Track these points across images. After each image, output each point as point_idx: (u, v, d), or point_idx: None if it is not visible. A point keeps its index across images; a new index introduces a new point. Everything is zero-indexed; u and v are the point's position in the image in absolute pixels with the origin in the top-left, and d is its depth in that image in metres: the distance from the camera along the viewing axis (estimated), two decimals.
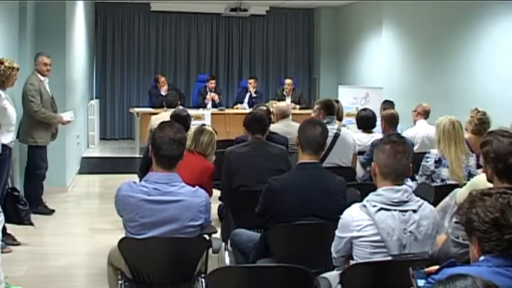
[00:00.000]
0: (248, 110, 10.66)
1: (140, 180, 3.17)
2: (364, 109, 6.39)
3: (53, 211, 6.71)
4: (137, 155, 10.23)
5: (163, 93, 10.88)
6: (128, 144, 12.38)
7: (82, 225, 6.53)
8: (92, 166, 9.81)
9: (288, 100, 10.85)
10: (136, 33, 13.31)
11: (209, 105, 11.19)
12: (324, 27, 13.41)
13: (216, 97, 11.22)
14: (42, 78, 6.54)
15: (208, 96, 11.21)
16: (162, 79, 11.37)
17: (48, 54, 6.66)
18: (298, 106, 10.90)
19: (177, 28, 13.50)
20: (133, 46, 13.30)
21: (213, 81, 11.37)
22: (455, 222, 2.67)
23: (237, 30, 13.80)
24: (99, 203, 7.63)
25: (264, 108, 5.79)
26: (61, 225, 6.37)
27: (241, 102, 11.41)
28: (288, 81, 11.33)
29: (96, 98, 12.96)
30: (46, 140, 6.62)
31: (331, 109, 5.55)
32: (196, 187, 3.14)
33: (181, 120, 4.98)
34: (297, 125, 5.71)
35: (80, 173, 9.13)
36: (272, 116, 5.94)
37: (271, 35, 13.90)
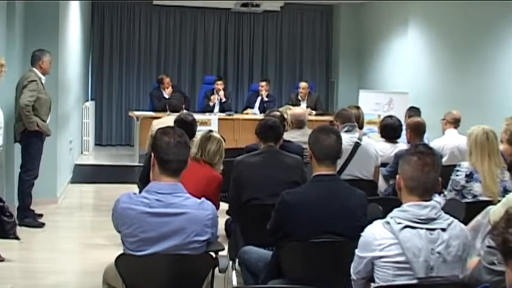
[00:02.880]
0: (259, 116, 10.77)
1: (140, 192, 3.19)
2: (390, 116, 6.39)
3: (43, 224, 6.74)
4: (136, 163, 10.28)
5: (166, 95, 11.01)
6: (126, 151, 12.43)
7: (74, 240, 6.56)
8: (85, 175, 9.83)
9: (303, 105, 10.88)
10: (137, 29, 13.39)
11: (216, 109, 11.24)
12: (343, 25, 13.42)
13: (222, 94, 11.23)
14: (42, 77, 6.65)
15: (212, 97, 11.23)
16: (167, 80, 11.45)
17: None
18: (314, 112, 10.93)
19: (182, 25, 13.56)
20: (134, 44, 13.38)
21: (221, 83, 11.41)
22: (488, 247, 2.67)
23: (248, 27, 13.84)
24: (93, 216, 7.66)
25: (278, 114, 5.85)
26: (50, 240, 6.39)
27: (252, 107, 11.46)
28: (303, 84, 11.38)
29: (91, 99, 13.03)
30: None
31: (345, 116, 5.62)
32: (203, 199, 3.14)
33: (186, 126, 5.01)
34: None
35: (72, 182, 9.16)
36: (286, 123, 6.00)
37: (285, 34, 13.92)
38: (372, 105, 9.74)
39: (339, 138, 3.49)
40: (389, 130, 6.15)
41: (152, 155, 3.12)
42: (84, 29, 11.73)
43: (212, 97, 11.30)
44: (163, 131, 3.15)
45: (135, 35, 13.39)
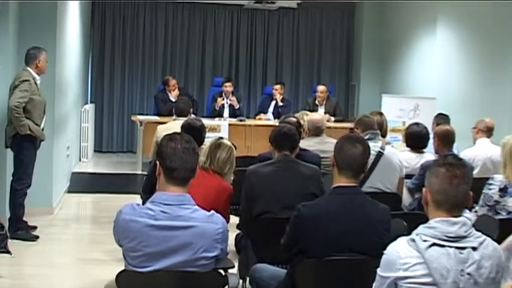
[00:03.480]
0: (273, 121, 10.81)
1: (144, 203, 3.21)
2: (416, 123, 6.38)
3: (37, 237, 6.76)
4: (139, 172, 10.37)
5: (172, 98, 11.03)
6: (128, 158, 12.53)
7: (70, 254, 6.57)
8: (83, 184, 9.89)
9: (321, 110, 10.91)
10: (141, 26, 13.43)
11: (226, 114, 11.27)
12: (366, 24, 13.42)
13: (235, 100, 11.28)
14: (37, 77, 6.67)
15: (219, 99, 11.25)
16: (173, 82, 11.46)
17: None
18: (333, 118, 10.95)
19: (190, 22, 13.61)
20: (137, 43, 13.44)
21: (229, 84, 11.43)
22: None
23: (262, 25, 13.87)
24: (92, 229, 7.70)
25: (294, 120, 5.88)
26: (45, 254, 6.40)
27: (265, 112, 11.50)
28: (321, 88, 11.42)
29: (91, 102, 13.12)
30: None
31: (367, 123, 5.64)
32: (212, 211, 3.14)
33: (194, 132, 5.04)
34: (333, 141, 5.78)
35: (69, 191, 9.20)
36: (303, 130, 6.02)
37: (302, 33, 13.95)
38: (396, 111, 9.73)
39: (366, 151, 3.52)
40: (415, 139, 6.14)
41: (157, 163, 3.13)
42: (84, 25, 11.78)
43: (219, 99, 11.34)
44: (170, 137, 3.16)
45: (139, 33, 13.44)
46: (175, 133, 3.26)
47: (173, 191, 3.07)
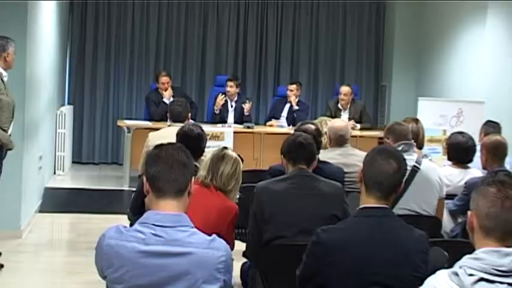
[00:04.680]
0: (287, 129, 10.82)
1: (132, 225, 3.21)
2: (460, 133, 6.39)
3: (1, 266, 6.74)
4: (126, 188, 10.42)
5: (166, 100, 11.03)
6: (113, 171, 12.56)
7: (42, 286, 6.58)
8: (59, 201, 9.90)
9: (345, 116, 10.92)
10: (130, 16, 13.38)
11: (230, 118, 11.27)
12: (399, 14, 13.43)
13: (248, 107, 11.25)
14: (4, 73, 6.68)
15: (220, 98, 11.25)
16: (164, 79, 11.39)
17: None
18: (358, 125, 10.97)
19: (188, 12, 13.54)
20: (125, 35, 13.42)
21: (231, 84, 11.43)
22: None
23: (274, 17, 13.78)
24: (68, 256, 7.69)
25: (313, 127, 5.86)
26: (11, 286, 6.40)
27: (278, 117, 11.51)
28: (344, 89, 11.39)
29: (69, 103, 13.15)
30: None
31: (400, 132, 5.64)
32: (214, 236, 3.13)
33: (192, 141, 5.13)
34: (359, 153, 5.82)
35: (41, 211, 9.20)
36: (323, 139, 6.01)
37: (322, 24, 13.92)
38: (436, 117, 9.72)
39: (402, 167, 3.53)
40: (458, 151, 6.15)
41: (144, 178, 3.13)
42: (61, 13, 11.77)
43: (219, 98, 11.30)
44: (158, 144, 3.20)
45: (126, 23, 13.38)
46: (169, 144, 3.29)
47: (167, 209, 3.05)
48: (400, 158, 3.58)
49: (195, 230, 3.10)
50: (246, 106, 11.28)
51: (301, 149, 4.69)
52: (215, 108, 11.27)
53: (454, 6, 11.78)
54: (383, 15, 14.01)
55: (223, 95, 11.39)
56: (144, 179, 3.14)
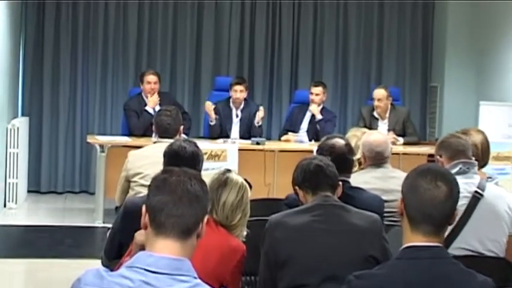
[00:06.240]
0: (307, 145, 10.74)
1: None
2: None
3: None
4: (99, 224, 10.30)
5: (151, 109, 10.85)
6: (82, 202, 12.53)
7: None
8: (10, 244, 9.86)
9: (384, 127, 10.72)
10: (102, 9, 13.49)
11: (235, 131, 11.10)
12: (453, 6, 13.76)
13: (260, 115, 11.03)
14: None
15: (208, 108, 11.02)
16: (150, 78, 11.16)
17: None
18: (401, 139, 10.75)
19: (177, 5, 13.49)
20: (96, 31, 13.36)
21: (241, 88, 11.27)
22: None
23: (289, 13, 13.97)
24: None
25: (342, 142, 5.73)
26: None
27: (296, 130, 11.38)
28: (379, 92, 11.11)
29: (23, 115, 13.06)
30: None
31: (456, 147, 5.59)
32: None
33: (185, 162, 4.86)
34: (402, 175, 5.70)
35: None
36: (356, 158, 5.90)
37: (352, 19, 14.15)
38: (503, 127, 9.66)
39: (454, 191, 3.44)
40: None
41: (144, 208, 3.03)
42: (11, 12, 11.78)
43: (207, 104, 11.13)
44: (165, 168, 3.14)
45: (98, 17, 13.37)
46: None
47: (164, 251, 2.96)
48: (449, 178, 3.51)
49: (199, 281, 2.97)
50: (258, 114, 11.11)
51: (321, 174, 4.67)
52: (209, 119, 11.02)
53: None
54: (431, 13, 14.35)
55: (214, 103, 11.17)
56: (144, 208, 3.04)
